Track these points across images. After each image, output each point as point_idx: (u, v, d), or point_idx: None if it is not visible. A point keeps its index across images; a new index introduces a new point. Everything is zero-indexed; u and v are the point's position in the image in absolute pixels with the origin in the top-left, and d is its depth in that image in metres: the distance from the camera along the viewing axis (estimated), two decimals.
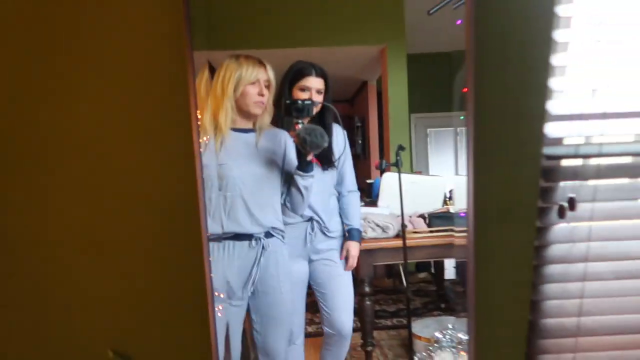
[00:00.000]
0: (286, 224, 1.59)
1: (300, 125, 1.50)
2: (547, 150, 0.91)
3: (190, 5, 0.84)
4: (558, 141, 0.92)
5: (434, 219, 2.14)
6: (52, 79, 0.86)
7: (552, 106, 0.90)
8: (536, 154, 0.91)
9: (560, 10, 0.88)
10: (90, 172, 0.89)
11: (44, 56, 0.85)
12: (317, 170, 1.56)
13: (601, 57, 0.93)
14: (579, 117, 0.92)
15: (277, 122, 1.60)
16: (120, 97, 0.87)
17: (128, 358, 0.93)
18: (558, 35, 0.88)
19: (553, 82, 0.90)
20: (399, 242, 2.00)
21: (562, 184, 0.93)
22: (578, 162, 0.94)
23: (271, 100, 1.53)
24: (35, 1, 0.84)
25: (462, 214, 0.95)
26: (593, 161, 0.93)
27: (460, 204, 0.90)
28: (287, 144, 1.56)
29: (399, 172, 2.03)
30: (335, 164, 1.73)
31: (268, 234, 1.50)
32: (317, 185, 1.58)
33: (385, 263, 2.60)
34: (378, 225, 2.04)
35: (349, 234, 1.79)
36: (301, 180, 1.50)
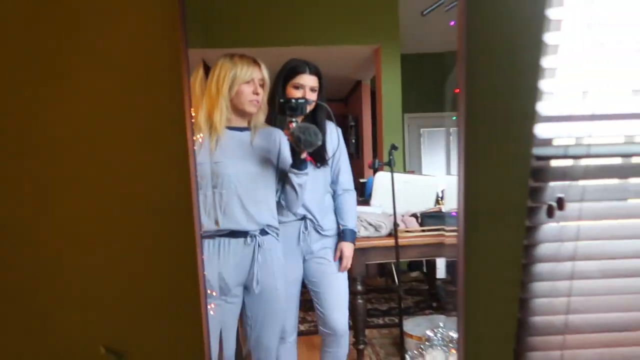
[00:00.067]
0: (280, 222, 1.60)
1: (294, 124, 1.51)
2: (537, 150, 0.93)
3: (185, 4, 0.84)
4: (548, 142, 0.94)
5: (427, 218, 2.15)
6: (46, 77, 0.86)
7: (542, 107, 0.92)
8: (526, 154, 0.93)
9: (550, 13, 0.89)
10: (84, 170, 0.89)
11: (40, 54, 0.85)
12: (310, 168, 1.57)
13: (591, 60, 0.94)
14: (568, 119, 0.94)
15: (270, 120, 1.61)
16: (115, 95, 0.87)
17: (120, 355, 0.93)
18: (548, 38, 0.90)
19: (543, 84, 0.91)
20: (391, 241, 2.02)
21: (551, 184, 0.94)
22: (567, 162, 0.95)
23: (265, 98, 1.54)
24: (32, 0, 0.84)
25: (454, 214, 0.96)
26: (582, 162, 0.95)
27: (451, 203, 0.91)
28: (282, 142, 1.57)
29: (392, 171, 2.04)
30: (329, 161, 1.74)
31: (263, 232, 1.52)
32: (310, 183, 1.59)
33: (378, 262, 2.61)
34: (371, 224, 2.05)
35: (343, 235, 1.79)
36: (295, 178, 1.52)
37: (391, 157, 2.05)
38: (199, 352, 0.94)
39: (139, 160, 0.89)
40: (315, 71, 1.68)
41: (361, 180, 2.64)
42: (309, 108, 1.64)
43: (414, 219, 2.18)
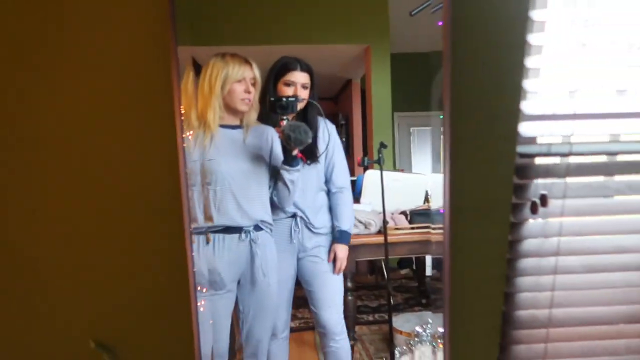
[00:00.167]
0: None
1: (285, 122, 1.52)
2: (521, 148, 0.95)
3: (175, 2, 0.85)
4: (532, 140, 0.96)
5: (415, 216, 2.18)
6: (35, 75, 0.86)
7: (526, 106, 0.94)
8: (510, 152, 0.95)
9: (534, 14, 0.91)
10: (72, 167, 0.89)
11: (28, 53, 0.85)
12: (299, 165, 1.58)
13: (575, 60, 0.96)
14: (552, 118, 0.96)
15: (262, 118, 1.62)
16: (105, 93, 0.88)
17: (109, 349, 0.94)
18: (533, 38, 0.92)
19: (527, 84, 0.93)
20: (380, 239, 2.03)
21: (535, 181, 0.96)
22: (550, 160, 0.97)
23: (257, 97, 1.55)
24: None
25: (442, 211, 0.98)
26: (565, 160, 0.97)
27: (438, 201, 0.92)
28: (274, 139, 1.59)
29: (381, 169, 2.05)
30: (319, 158, 1.74)
31: (257, 227, 1.54)
32: (301, 181, 1.60)
33: (367, 259, 2.62)
34: (360, 222, 2.07)
35: (336, 236, 1.78)
36: (287, 175, 1.54)
37: (380, 155, 2.06)
38: (188, 346, 0.95)
39: (129, 157, 0.90)
40: (306, 68, 1.69)
41: (351, 179, 2.65)
42: (300, 106, 1.65)
43: (403, 217, 2.20)
